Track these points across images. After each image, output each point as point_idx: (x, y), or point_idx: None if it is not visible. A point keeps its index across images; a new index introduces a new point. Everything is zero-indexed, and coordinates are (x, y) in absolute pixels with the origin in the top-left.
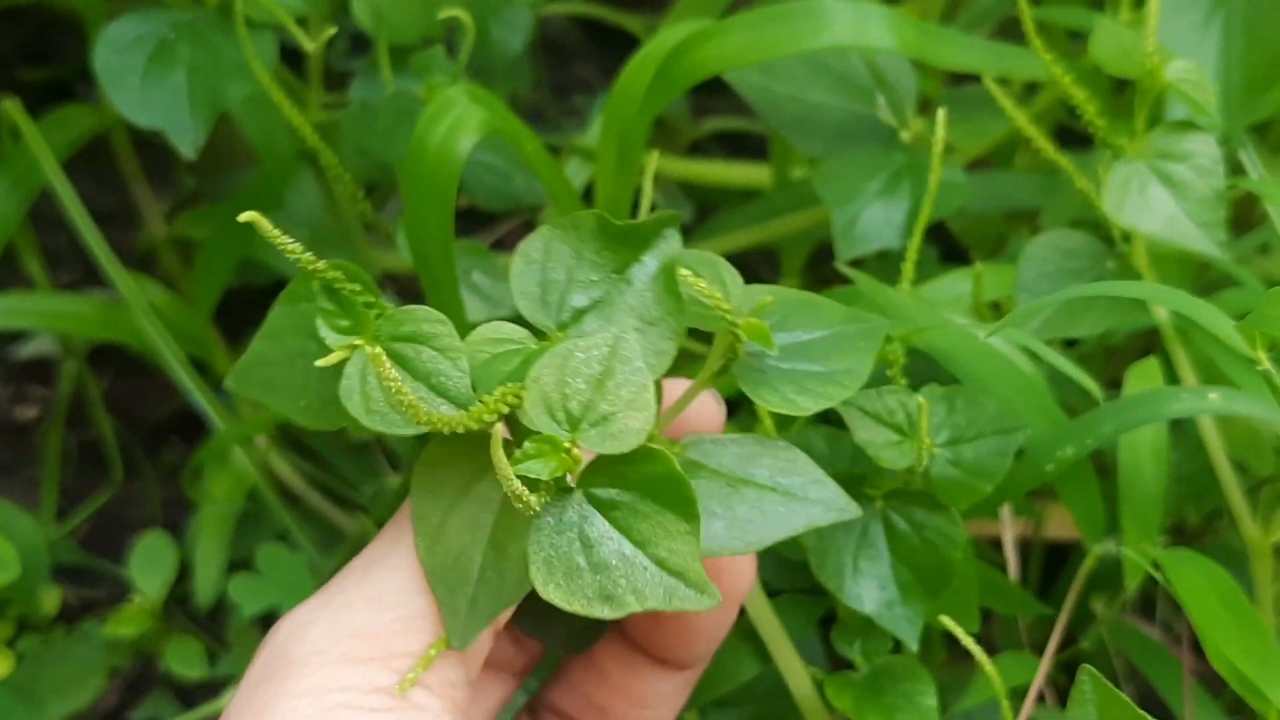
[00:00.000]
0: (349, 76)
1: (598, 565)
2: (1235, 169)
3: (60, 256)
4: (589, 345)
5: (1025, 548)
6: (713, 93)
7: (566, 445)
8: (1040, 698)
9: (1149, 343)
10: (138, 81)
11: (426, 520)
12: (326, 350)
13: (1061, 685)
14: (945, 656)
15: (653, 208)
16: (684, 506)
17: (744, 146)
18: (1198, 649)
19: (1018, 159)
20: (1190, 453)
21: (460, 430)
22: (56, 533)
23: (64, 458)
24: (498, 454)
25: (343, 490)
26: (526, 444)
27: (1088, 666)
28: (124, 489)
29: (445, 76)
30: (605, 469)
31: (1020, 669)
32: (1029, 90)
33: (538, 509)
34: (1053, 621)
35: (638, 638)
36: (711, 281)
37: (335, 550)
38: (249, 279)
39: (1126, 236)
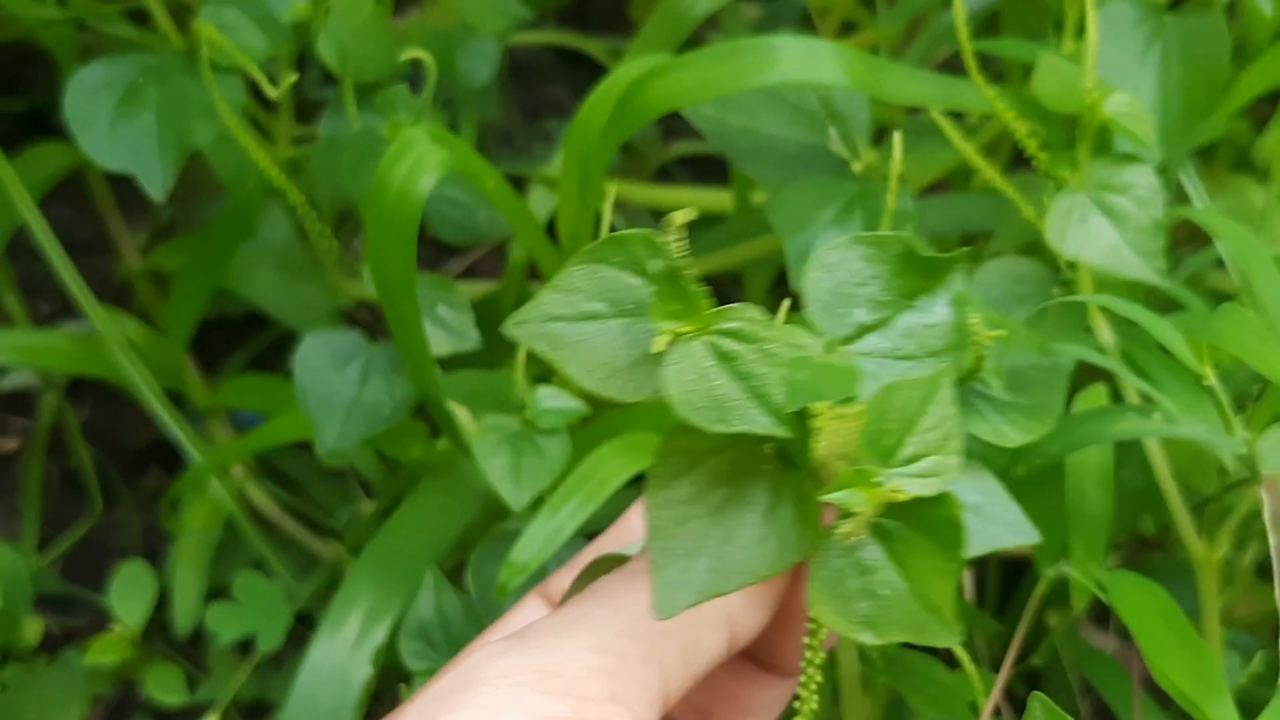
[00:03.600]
0: (322, 105)
1: (869, 592)
2: (1179, 193)
3: (41, 286)
4: (909, 384)
5: (981, 564)
6: (681, 116)
7: (879, 481)
8: (998, 713)
9: (1097, 374)
10: (107, 126)
11: (666, 474)
12: (619, 318)
13: (1020, 698)
14: None
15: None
16: (954, 549)
17: (712, 170)
18: None
19: (975, 181)
20: (1139, 469)
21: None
22: (38, 563)
23: (45, 488)
24: (829, 494)
25: (318, 517)
26: (843, 474)
27: (1039, 694)
28: (104, 517)
29: (409, 113)
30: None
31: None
32: (986, 115)
33: (848, 540)
34: (1008, 637)
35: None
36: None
37: (310, 576)
38: (224, 310)
39: (1072, 264)
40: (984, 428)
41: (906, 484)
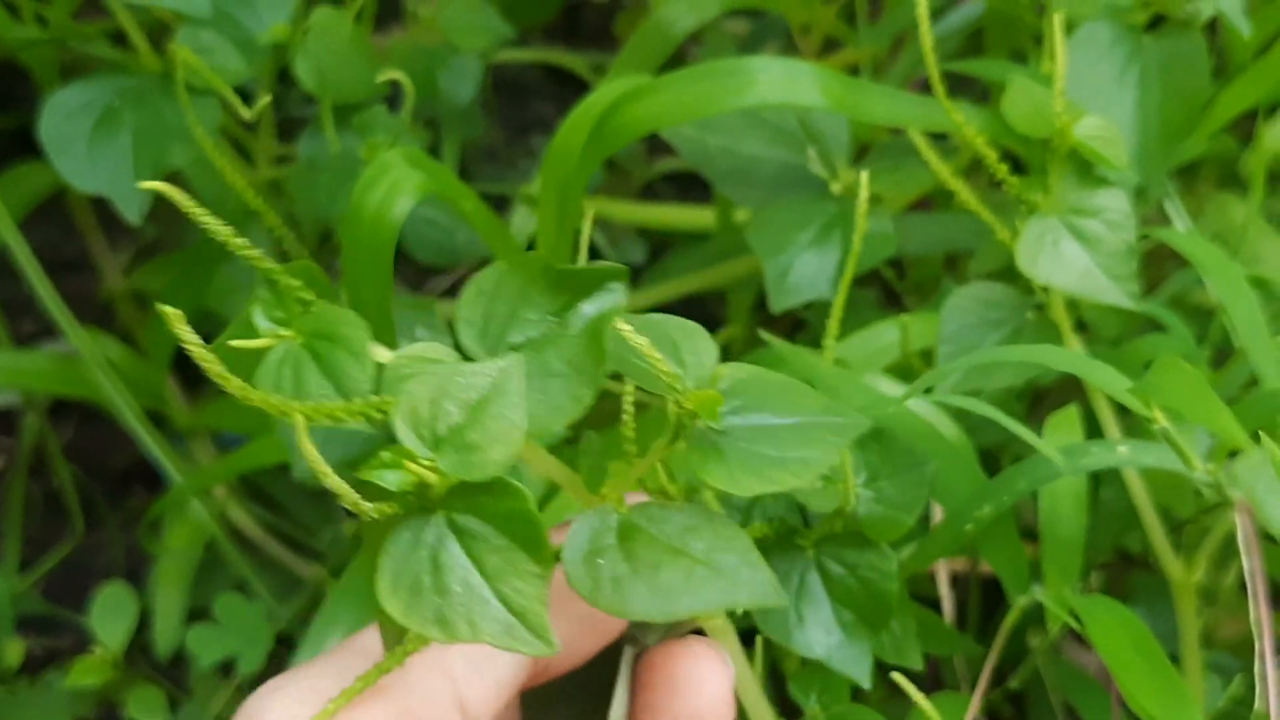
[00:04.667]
0: (305, 122)
1: (442, 589)
2: (1160, 213)
3: (24, 305)
4: (473, 371)
5: (962, 584)
6: None
7: (424, 463)
8: None
9: (1077, 393)
10: (83, 149)
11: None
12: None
13: (1006, 717)
14: (884, 693)
15: (592, 256)
16: (536, 548)
17: (697, 186)
18: None
19: (957, 199)
20: (1119, 490)
21: (332, 424)
22: (20, 584)
23: (27, 508)
24: (304, 444)
25: (300, 538)
26: (382, 452)
27: None
28: (87, 537)
29: (388, 134)
30: (467, 496)
31: (956, 707)
32: None
33: (372, 515)
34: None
35: None
36: (681, 347)
37: (292, 598)
38: (207, 330)
39: (1046, 287)
40: (718, 474)
41: (456, 469)
